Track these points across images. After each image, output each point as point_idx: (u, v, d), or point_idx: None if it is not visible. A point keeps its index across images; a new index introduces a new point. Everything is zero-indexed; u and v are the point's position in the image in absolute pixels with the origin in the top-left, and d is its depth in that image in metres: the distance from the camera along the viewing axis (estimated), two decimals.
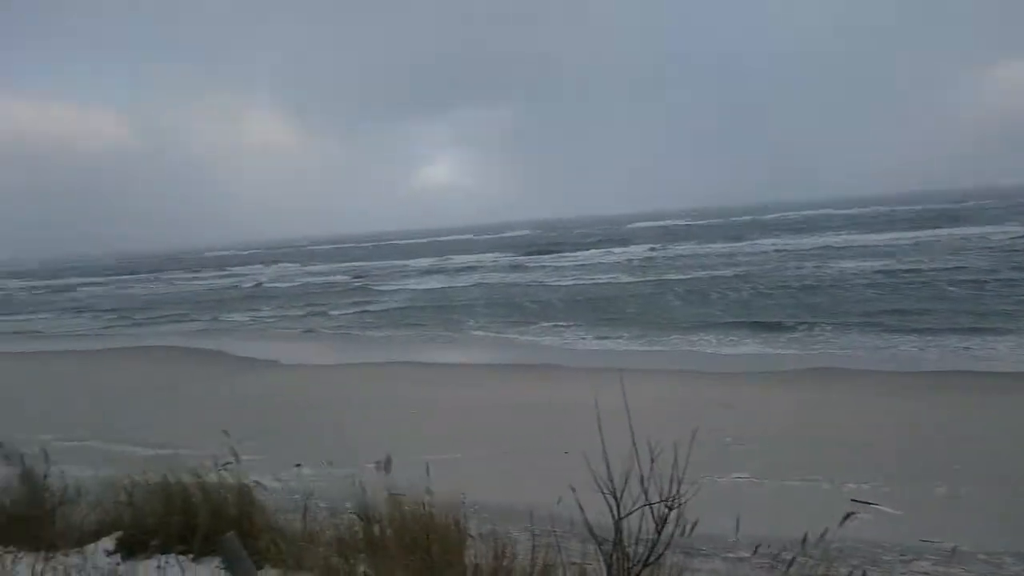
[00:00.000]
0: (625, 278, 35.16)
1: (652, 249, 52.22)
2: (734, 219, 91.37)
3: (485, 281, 39.25)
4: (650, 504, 2.85)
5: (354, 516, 4.18)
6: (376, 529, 3.67)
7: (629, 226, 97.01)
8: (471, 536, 3.94)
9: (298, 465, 8.54)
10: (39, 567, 3.56)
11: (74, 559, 4.20)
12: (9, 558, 4.14)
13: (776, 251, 42.98)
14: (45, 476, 4.93)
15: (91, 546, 4.24)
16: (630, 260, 45.35)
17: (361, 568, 3.65)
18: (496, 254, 61.53)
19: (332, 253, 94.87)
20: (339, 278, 50.07)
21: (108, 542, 4.36)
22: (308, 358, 18.76)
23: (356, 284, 44.32)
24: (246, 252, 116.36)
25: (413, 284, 40.98)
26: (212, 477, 4.47)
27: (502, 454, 9.04)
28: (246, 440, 5.70)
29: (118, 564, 4.13)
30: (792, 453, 8.42)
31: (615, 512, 2.84)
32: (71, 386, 16.36)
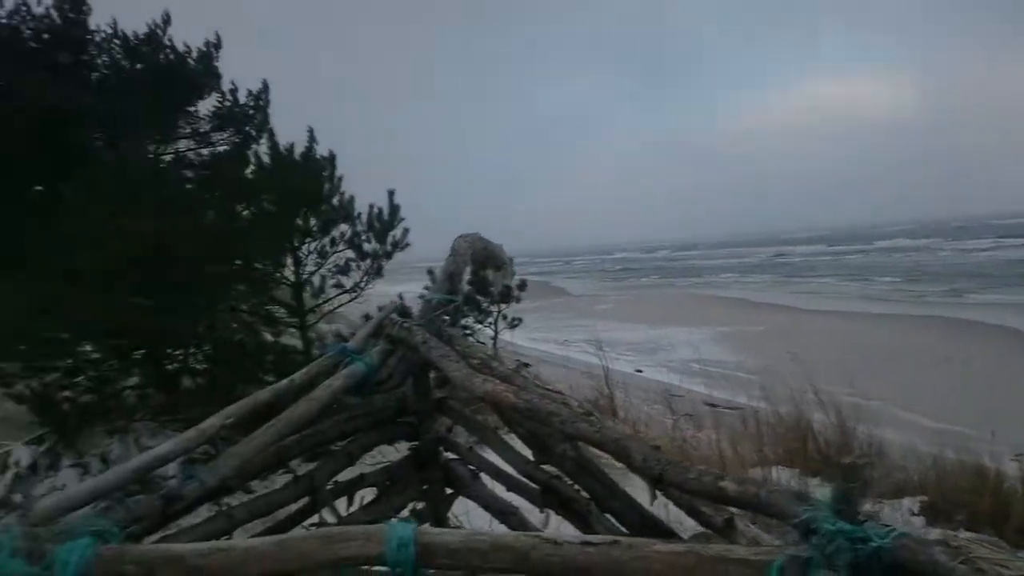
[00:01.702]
0: None
1: None
2: None
3: None
4: None
5: None
6: None
7: None
8: None
9: None
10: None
11: (878, 508, 4.59)
12: None
13: None
14: (854, 428, 5.53)
15: (900, 502, 4.55)
16: None
17: None
18: None
19: None
20: None
21: (912, 503, 4.59)
22: None
23: None
24: None
25: None
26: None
27: None
28: None
29: (923, 527, 4.30)
30: None
31: None
32: (869, 347, 17.42)
